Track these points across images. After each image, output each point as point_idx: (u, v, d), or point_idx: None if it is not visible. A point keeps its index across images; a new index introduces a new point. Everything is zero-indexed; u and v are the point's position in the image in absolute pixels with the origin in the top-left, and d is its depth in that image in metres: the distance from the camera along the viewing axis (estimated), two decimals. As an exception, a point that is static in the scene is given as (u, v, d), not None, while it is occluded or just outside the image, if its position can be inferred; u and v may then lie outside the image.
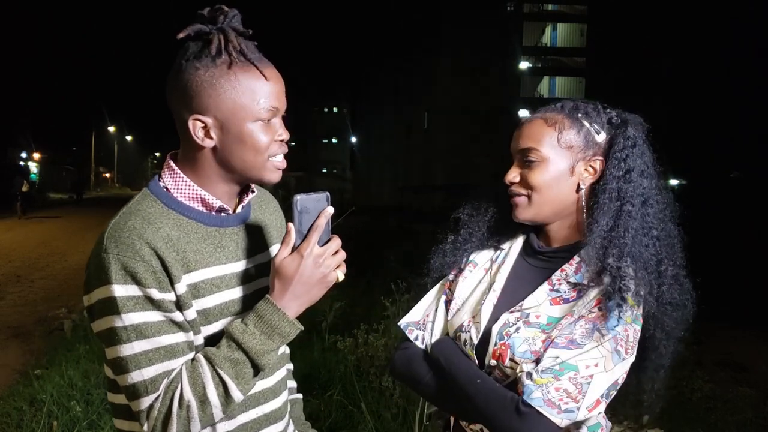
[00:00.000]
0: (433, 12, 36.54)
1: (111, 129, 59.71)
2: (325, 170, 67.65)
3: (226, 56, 1.07)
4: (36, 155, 40.87)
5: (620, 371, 1.11)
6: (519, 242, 1.33)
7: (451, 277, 1.38)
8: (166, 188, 1.14)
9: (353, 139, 56.01)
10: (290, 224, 1.09)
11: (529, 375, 1.09)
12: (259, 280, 1.20)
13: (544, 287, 1.21)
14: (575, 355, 1.09)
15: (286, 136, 1.14)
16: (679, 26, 33.81)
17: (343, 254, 1.12)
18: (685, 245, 1.23)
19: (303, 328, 1.11)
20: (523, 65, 39.14)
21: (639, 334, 1.13)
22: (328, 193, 1.12)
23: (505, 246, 1.34)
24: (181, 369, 1.03)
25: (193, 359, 1.06)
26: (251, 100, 1.08)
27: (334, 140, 74.74)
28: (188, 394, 1.01)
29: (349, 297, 5.68)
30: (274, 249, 1.26)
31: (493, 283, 1.28)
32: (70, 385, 3.85)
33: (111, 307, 1.01)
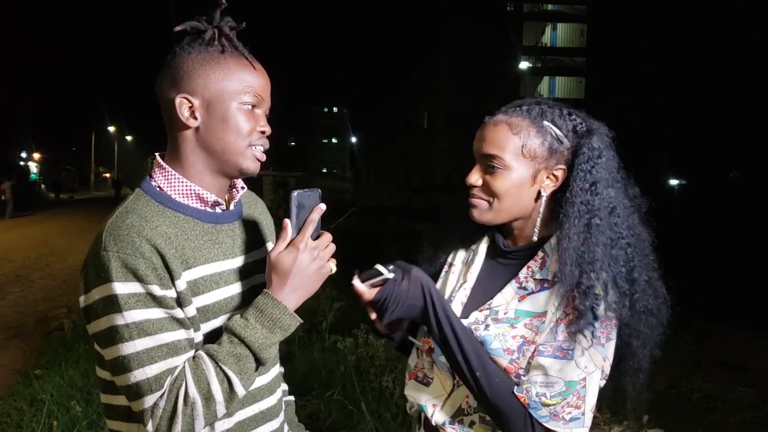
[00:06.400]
0: (432, 12, 36.53)
1: (111, 129, 59.69)
2: (325, 170, 67.65)
3: (218, 45, 1.12)
4: (36, 155, 40.87)
5: (608, 355, 1.14)
6: (486, 242, 1.36)
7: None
8: (159, 187, 1.14)
9: (353, 139, 55.96)
10: (287, 220, 1.11)
11: (539, 394, 1.12)
12: (255, 276, 1.21)
13: (512, 285, 1.23)
14: (571, 369, 1.11)
15: (268, 129, 1.17)
16: (680, 26, 33.82)
17: (333, 247, 1.15)
18: (656, 247, 1.23)
19: (302, 321, 1.13)
20: (523, 65, 39.14)
21: (614, 320, 1.15)
22: (320, 190, 1.15)
23: (474, 246, 1.38)
24: (184, 366, 1.03)
25: (194, 356, 1.06)
26: (238, 85, 1.11)
27: (334, 140, 74.76)
28: (193, 392, 1.01)
29: (349, 297, 5.67)
30: (267, 246, 1.28)
31: (464, 282, 1.31)
32: (70, 385, 3.85)
33: (112, 305, 1.00)
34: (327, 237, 1.14)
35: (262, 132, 1.16)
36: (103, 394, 1.14)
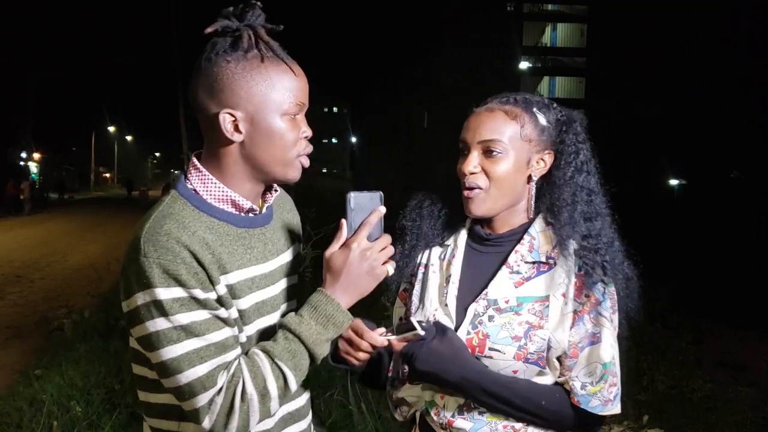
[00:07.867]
0: (432, 12, 36.54)
1: (111, 129, 59.63)
2: (325, 170, 67.58)
3: (257, 51, 1.09)
4: (36, 155, 40.85)
5: (617, 325, 1.24)
6: (463, 233, 1.37)
7: (403, 286, 1.43)
8: (195, 190, 1.12)
9: (353, 139, 55.98)
10: (343, 220, 1.12)
11: (584, 386, 1.19)
12: (284, 279, 1.22)
13: (504, 272, 1.26)
14: (604, 350, 1.19)
15: (309, 132, 1.15)
16: (680, 26, 33.81)
17: (391, 250, 1.14)
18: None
19: (354, 319, 1.14)
20: (523, 65, 39.11)
21: (615, 295, 1.24)
22: (381, 193, 1.15)
23: (450, 241, 1.38)
24: (240, 363, 1.04)
25: (250, 353, 1.07)
26: (281, 95, 1.09)
27: (334, 140, 74.86)
28: (250, 388, 1.02)
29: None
30: (295, 248, 1.28)
31: (450, 275, 1.32)
32: (70, 385, 3.85)
33: (156, 309, 1.00)
34: (385, 239, 1.13)
35: (306, 137, 1.14)
36: (141, 392, 1.15)
